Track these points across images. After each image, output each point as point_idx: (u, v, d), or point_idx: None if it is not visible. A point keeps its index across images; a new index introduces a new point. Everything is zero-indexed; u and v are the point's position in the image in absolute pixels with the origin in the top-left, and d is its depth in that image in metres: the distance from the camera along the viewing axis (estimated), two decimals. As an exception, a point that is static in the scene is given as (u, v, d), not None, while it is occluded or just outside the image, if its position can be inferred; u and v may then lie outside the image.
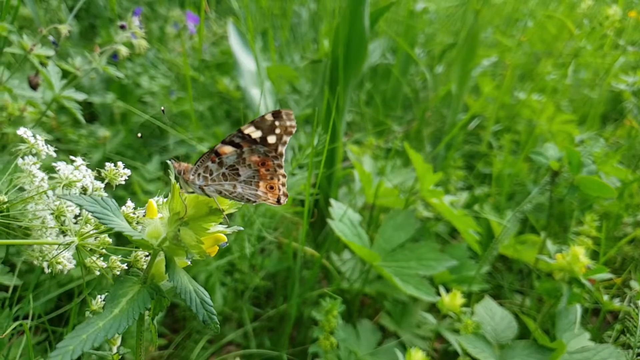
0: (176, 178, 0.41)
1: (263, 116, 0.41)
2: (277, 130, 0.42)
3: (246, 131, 0.41)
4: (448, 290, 0.80)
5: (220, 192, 0.43)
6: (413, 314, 0.87)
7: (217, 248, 0.41)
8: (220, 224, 0.40)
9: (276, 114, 0.41)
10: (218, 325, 0.38)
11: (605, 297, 0.87)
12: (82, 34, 1.51)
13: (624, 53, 1.38)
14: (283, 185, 0.45)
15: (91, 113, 1.34)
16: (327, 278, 1.04)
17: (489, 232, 0.98)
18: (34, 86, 0.89)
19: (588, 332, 0.79)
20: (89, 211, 0.38)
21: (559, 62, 1.51)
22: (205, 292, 0.39)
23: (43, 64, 0.80)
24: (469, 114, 1.26)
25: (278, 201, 0.45)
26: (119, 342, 0.49)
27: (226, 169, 0.43)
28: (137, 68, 1.33)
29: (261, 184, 0.44)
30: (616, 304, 0.86)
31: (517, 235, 0.99)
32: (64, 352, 0.35)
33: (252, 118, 1.21)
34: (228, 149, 0.42)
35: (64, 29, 0.82)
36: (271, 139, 0.42)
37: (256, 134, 0.41)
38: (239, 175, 0.43)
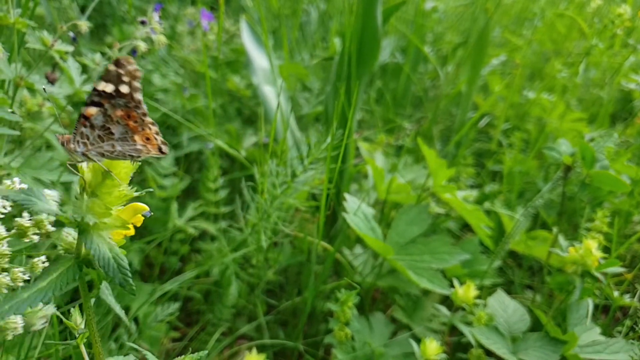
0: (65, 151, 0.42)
1: (107, 69, 0.41)
2: (125, 79, 0.41)
3: (99, 88, 0.41)
4: (461, 284, 0.81)
5: (103, 155, 0.43)
6: (425, 307, 0.88)
7: (141, 218, 0.42)
8: (125, 192, 0.41)
9: (117, 63, 0.41)
10: (134, 287, 0.40)
11: (616, 293, 0.88)
12: (92, 33, 1.53)
13: (634, 52, 1.38)
14: (157, 133, 0.44)
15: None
16: (337, 273, 1.05)
17: (500, 228, 0.99)
18: (51, 82, 0.91)
19: (598, 327, 0.80)
20: (15, 200, 0.40)
21: (568, 61, 1.51)
22: (124, 259, 0.40)
23: (63, 60, 0.82)
24: (479, 112, 1.27)
25: (160, 150, 0.44)
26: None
27: (99, 130, 0.43)
28: (148, 65, 1.34)
29: (136, 137, 0.44)
30: (626, 300, 0.87)
31: (528, 232, 1.00)
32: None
33: (265, 116, 1.23)
34: (93, 110, 0.42)
35: (83, 25, 0.84)
36: (124, 89, 0.41)
37: (109, 87, 0.41)
38: (112, 134, 0.43)
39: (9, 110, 0.73)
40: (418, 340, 0.73)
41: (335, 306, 0.73)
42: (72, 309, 0.51)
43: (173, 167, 1.09)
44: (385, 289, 0.98)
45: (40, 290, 0.38)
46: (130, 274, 0.39)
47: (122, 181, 0.41)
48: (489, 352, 0.78)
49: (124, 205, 0.42)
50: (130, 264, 0.96)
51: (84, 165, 0.41)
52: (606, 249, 0.92)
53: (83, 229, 0.40)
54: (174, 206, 0.97)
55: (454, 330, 0.89)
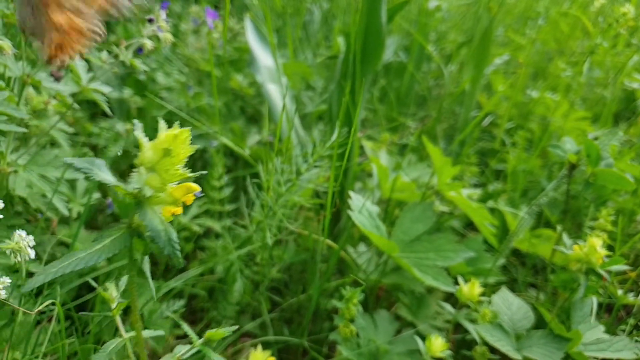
0: None
1: None
2: None
3: None
4: (465, 282, 0.81)
5: None
6: (429, 305, 0.89)
7: (192, 197, 0.45)
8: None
9: None
10: (181, 260, 0.44)
11: (619, 292, 0.88)
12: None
13: (637, 51, 1.38)
14: None
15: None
16: (341, 271, 1.05)
17: (504, 226, 0.99)
18: (56, 80, 0.91)
19: (602, 326, 0.80)
20: (77, 168, 0.43)
21: (571, 60, 1.52)
22: (174, 233, 0.44)
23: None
24: (483, 111, 1.27)
25: None
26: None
27: None
28: (152, 64, 1.35)
29: None
30: (630, 298, 0.87)
31: (532, 230, 1.00)
32: (47, 273, 0.42)
33: (269, 114, 1.23)
34: None
35: (90, 23, 0.84)
36: None
37: None
38: None
39: (16, 107, 0.74)
40: (422, 338, 0.73)
41: (341, 303, 0.74)
42: (107, 284, 0.53)
43: (178, 165, 1.09)
44: (389, 287, 0.99)
45: (95, 252, 0.43)
46: (179, 248, 0.43)
47: (179, 162, 0.43)
48: (493, 350, 0.79)
49: (178, 184, 0.44)
50: (135, 262, 0.96)
51: (145, 142, 0.43)
52: (610, 248, 0.92)
53: (139, 201, 0.43)
54: (179, 204, 0.98)
55: (457, 327, 0.90)
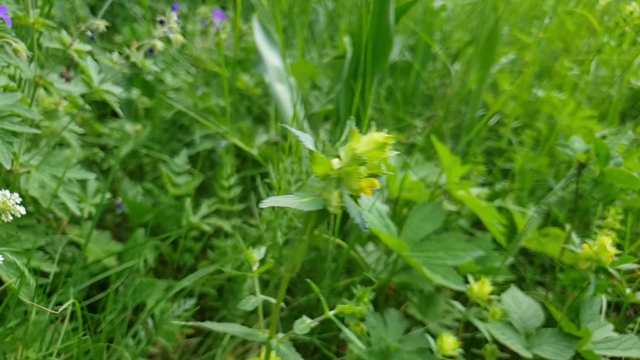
0: None
1: None
2: None
3: None
4: (474, 280, 0.81)
5: None
6: (438, 304, 0.89)
7: (371, 191, 0.51)
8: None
9: None
10: (367, 229, 0.51)
11: (628, 291, 0.89)
12: (102, 33, 1.54)
13: (643, 50, 1.38)
14: None
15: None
16: (349, 271, 1.06)
17: (512, 225, 1.00)
18: (66, 80, 0.92)
19: (611, 324, 0.80)
20: (302, 140, 0.50)
21: (577, 59, 1.51)
22: (366, 214, 0.52)
23: (82, 59, 0.83)
24: (491, 111, 1.28)
25: None
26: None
27: None
28: (160, 64, 1.35)
29: None
30: (639, 297, 0.87)
31: (540, 229, 1.00)
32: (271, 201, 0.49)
33: (276, 114, 1.24)
34: None
35: (101, 24, 0.85)
36: None
37: None
38: None
39: (29, 109, 0.74)
40: (432, 336, 0.74)
41: (351, 302, 0.74)
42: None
43: (187, 165, 1.10)
44: (398, 286, 0.99)
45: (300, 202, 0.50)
46: (368, 221, 0.51)
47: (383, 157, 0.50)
48: (502, 348, 0.79)
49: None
50: (145, 261, 0.97)
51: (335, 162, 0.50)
52: (618, 247, 0.92)
53: (340, 177, 0.51)
54: (189, 203, 0.98)
55: (467, 326, 0.90)
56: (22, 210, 0.52)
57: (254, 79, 1.44)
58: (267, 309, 0.99)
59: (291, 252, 0.58)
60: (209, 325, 0.62)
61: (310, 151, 0.49)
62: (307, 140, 0.50)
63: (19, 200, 0.52)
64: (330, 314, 0.59)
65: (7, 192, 0.52)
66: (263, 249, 0.64)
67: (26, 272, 0.57)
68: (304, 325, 0.58)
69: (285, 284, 0.59)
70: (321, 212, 0.51)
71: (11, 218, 0.52)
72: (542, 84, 1.57)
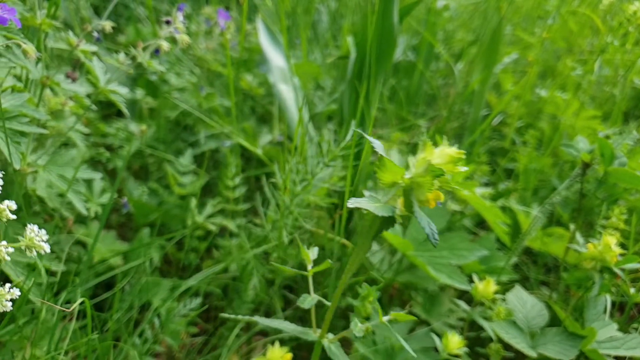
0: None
1: None
2: None
3: None
4: (479, 280, 0.82)
5: None
6: (442, 303, 0.90)
7: (435, 203, 0.52)
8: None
9: None
10: (437, 241, 0.52)
11: (632, 290, 0.89)
12: (105, 33, 1.55)
13: (647, 50, 1.38)
14: None
15: (118, 109, 1.37)
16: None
17: (516, 225, 1.00)
18: (72, 81, 0.92)
19: (615, 324, 0.80)
20: (375, 147, 0.52)
21: (580, 59, 1.52)
22: (431, 222, 0.52)
23: (88, 59, 0.84)
24: (494, 111, 1.28)
25: None
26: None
27: None
28: (164, 65, 1.36)
29: None
30: (643, 296, 0.87)
31: (543, 229, 1.00)
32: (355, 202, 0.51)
33: (280, 114, 1.24)
34: None
35: (107, 25, 0.86)
36: None
37: None
38: None
39: (36, 109, 0.75)
40: (437, 335, 0.74)
41: (357, 301, 0.74)
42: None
43: (192, 165, 1.10)
44: (402, 286, 0.99)
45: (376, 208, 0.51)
46: (436, 230, 0.52)
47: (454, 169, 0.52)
48: (507, 347, 0.79)
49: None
50: (151, 261, 0.98)
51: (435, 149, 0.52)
52: (622, 246, 0.93)
53: (409, 198, 0.53)
54: (194, 203, 0.99)
55: (471, 325, 0.90)
56: (47, 248, 0.52)
57: (257, 79, 1.45)
58: (270, 308, 0.99)
59: (353, 255, 0.58)
60: (260, 320, 0.63)
61: (380, 157, 0.50)
62: (379, 147, 0.51)
63: (45, 237, 0.52)
64: (385, 319, 0.62)
65: (35, 227, 0.52)
66: (315, 250, 0.65)
67: (42, 270, 0.57)
68: (358, 327, 0.60)
69: (342, 287, 0.60)
70: (387, 218, 0.52)
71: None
72: (546, 83, 1.57)
